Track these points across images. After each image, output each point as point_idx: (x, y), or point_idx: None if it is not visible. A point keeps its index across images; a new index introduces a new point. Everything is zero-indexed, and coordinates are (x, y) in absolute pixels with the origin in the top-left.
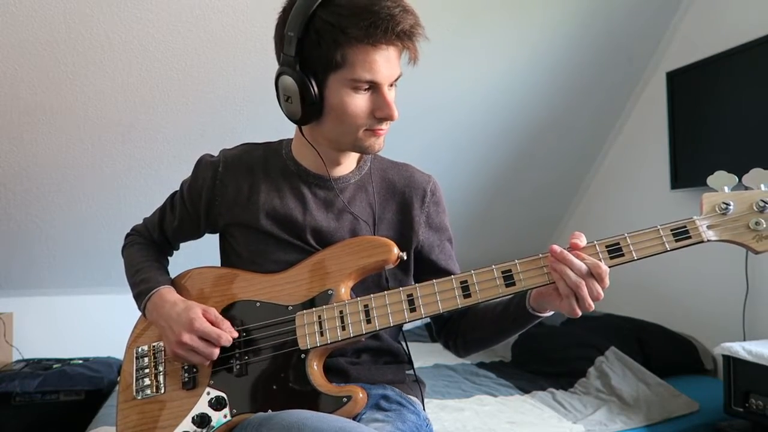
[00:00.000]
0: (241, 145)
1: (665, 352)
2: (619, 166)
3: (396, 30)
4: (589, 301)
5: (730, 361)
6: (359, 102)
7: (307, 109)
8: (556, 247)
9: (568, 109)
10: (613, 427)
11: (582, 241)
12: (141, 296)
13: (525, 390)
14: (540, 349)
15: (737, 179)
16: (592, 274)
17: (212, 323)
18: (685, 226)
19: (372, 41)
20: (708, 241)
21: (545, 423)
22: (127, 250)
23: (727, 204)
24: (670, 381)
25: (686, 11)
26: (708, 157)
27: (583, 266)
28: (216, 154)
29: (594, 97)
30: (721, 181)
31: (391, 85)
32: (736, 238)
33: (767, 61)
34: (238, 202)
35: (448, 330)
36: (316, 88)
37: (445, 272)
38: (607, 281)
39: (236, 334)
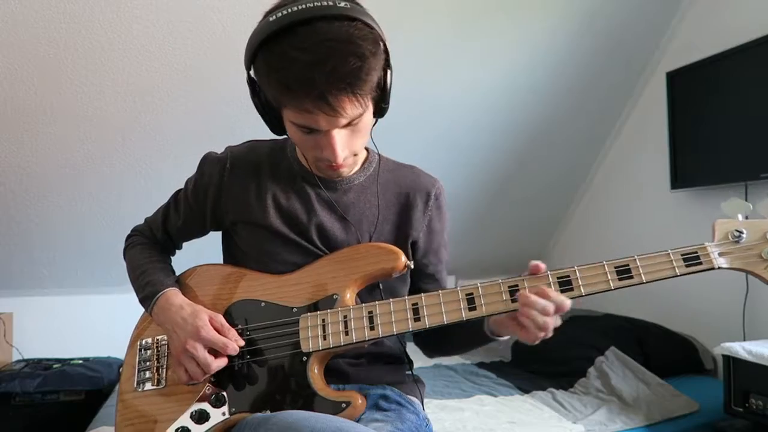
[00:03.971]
0: (247, 142)
1: (665, 352)
2: (619, 166)
3: (316, 93)
4: (551, 334)
5: (730, 361)
6: (305, 140)
7: (274, 130)
8: (524, 293)
9: (568, 109)
10: (613, 427)
11: (540, 268)
12: (147, 300)
13: (525, 390)
14: (540, 349)
15: (751, 207)
16: (557, 311)
17: (218, 331)
18: (696, 252)
19: (290, 106)
20: (719, 268)
21: (545, 423)
22: (129, 252)
23: (740, 232)
24: (670, 381)
25: (686, 11)
26: (708, 157)
27: (549, 306)
28: (218, 152)
29: (594, 96)
30: (734, 208)
31: (349, 124)
32: (748, 267)
33: (767, 61)
34: (246, 199)
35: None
36: (274, 117)
37: (431, 277)
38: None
39: (242, 343)
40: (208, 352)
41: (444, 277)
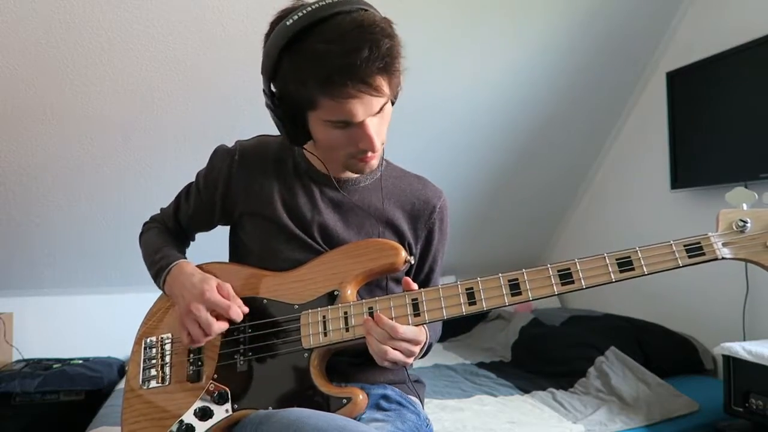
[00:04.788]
0: (257, 136)
1: (665, 352)
2: (619, 166)
3: (356, 79)
4: (400, 359)
5: (730, 361)
6: (338, 136)
7: (294, 139)
8: (376, 315)
9: (568, 108)
10: (613, 427)
11: (412, 286)
12: (161, 272)
13: (525, 390)
14: (540, 349)
15: (756, 196)
16: (393, 337)
17: (224, 297)
18: (699, 243)
19: (331, 95)
20: (722, 258)
21: (545, 423)
22: (144, 236)
23: (745, 222)
24: (670, 381)
25: (686, 11)
26: (708, 157)
27: (382, 333)
28: (228, 146)
29: (594, 96)
30: (739, 197)
31: (380, 111)
32: (753, 257)
33: (767, 61)
34: (254, 192)
35: None
36: (298, 122)
37: (422, 286)
38: (410, 338)
39: (246, 310)
40: (212, 315)
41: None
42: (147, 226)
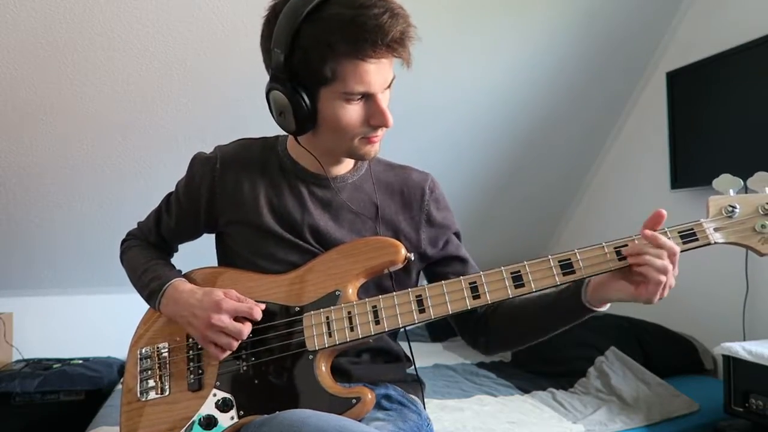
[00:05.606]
0: (237, 140)
1: (665, 352)
2: (619, 165)
3: (385, 40)
4: (672, 283)
5: (730, 361)
6: (353, 112)
7: (301, 122)
8: (648, 231)
9: (568, 108)
10: (613, 427)
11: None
12: (154, 294)
13: (525, 390)
14: (540, 349)
15: (742, 182)
16: (670, 257)
17: (237, 301)
18: (692, 229)
19: (361, 56)
20: (715, 243)
21: (545, 423)
22: (126, 255)
23: (733, 207)
24: (670, 381)
25: (686, 11)
26: (708, 157)
27: (675, 247)
28: (207, 152)
29: (594, 96)
30: (726, 184)
31: (385, 90)
32: (743, 240)
33: (767, 61)
34: (239, 199)
35: (476, 327)
36: (308, 102)
37: (458, 260)
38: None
39: (263, 306)
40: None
41: (468, 257)
42: (126, 245)
